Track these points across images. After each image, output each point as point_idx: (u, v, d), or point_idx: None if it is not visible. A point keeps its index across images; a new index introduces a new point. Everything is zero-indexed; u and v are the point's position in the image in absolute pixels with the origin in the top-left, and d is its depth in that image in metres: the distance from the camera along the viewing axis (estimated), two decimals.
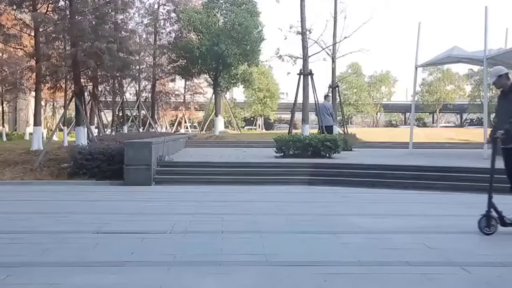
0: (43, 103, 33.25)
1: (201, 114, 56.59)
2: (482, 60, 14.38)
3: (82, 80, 17.32)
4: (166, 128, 49.17)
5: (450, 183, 10.12)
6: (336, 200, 8.71)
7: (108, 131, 26.83)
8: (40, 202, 8.61)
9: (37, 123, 16.72)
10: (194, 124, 58.72)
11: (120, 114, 34.15)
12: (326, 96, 18.21)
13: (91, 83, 22.48)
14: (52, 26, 15.79)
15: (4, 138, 28.59)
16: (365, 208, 7.77)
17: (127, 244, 4.97)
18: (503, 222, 5.54)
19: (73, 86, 16.47)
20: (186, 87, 47.36)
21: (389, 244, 5.06)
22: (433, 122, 73.46)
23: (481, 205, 8.17)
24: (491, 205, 5.59)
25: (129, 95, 38.70)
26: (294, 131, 17.99)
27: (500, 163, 5.92)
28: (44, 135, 27.96)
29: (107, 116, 35.56)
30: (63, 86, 21.69)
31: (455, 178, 10.29)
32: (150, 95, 35.98)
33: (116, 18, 20.76)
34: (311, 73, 16.78)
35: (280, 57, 18.65)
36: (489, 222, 5.54)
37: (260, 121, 67.94)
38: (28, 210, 7.50)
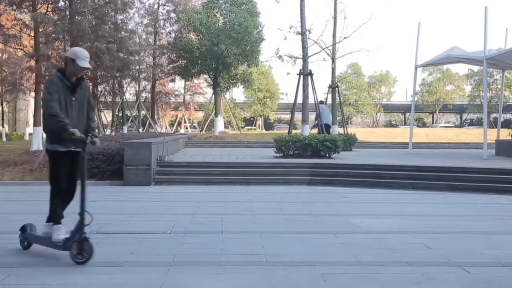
0: None
1: (201, 114, 56.60)
2: (481, 60, 14.40)
3: None
4: (166, 128, 49.17)
5: (449, 183, 10.13)
6: (336, 200, 8.72)
7: (108, 131, 26.83)
8: (40, 202, 8.56)
9: (36, 123, 16.71)
10: (194, 124, 58.72)
11: (120, 114, 34.16)
12: (321, 102, 18.36)
13: (91, 83, 22.46)
14: (52, 26, 15.80)
15: (4, 139, 28.56)
16: (365, 208, 7.78)
17: (127, 244, 4.98)
18: None
19: None
20: (186, 87, 47.38)
21: (389, 244, 5.06)
22: (432, 122, 73.48)
23: (480, 205, 8.21)
24: None
25: (129, 95, 38.75)
26: (294, 131, 17.99)
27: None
28: (44, 136, 27.94)
29: (107, 116, 35.56)
30: None
31: (454, 178, 10.31)
32: (150, 95, 35.99)
33: (116, 18, 20.79)
34: (311, 73, 16.77)
35: (280, 57, 18.59)
36: None
37: (260, 121, 67.97)
38: (28, 210, 7.50)
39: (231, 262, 4.36)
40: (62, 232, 4.56)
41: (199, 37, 27.21)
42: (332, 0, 20.98)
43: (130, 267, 4.17)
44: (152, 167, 10.95)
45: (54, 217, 4.65)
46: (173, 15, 31.95)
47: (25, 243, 4.76)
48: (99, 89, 26.43)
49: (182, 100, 48.28)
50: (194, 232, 5.68)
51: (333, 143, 13.44)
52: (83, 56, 4.51)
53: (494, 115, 52.65)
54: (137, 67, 28.31)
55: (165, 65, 33.48)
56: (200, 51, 26.07)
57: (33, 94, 20.53)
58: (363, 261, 4.42)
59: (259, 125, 68.04)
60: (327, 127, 17.20)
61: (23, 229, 4.79)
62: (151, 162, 10.84)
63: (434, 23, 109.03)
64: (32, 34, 16.87)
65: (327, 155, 13.67)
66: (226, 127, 47.11)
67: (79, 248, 4.22)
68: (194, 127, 55.12)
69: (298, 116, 29.44)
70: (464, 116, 75.72)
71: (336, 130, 21.21)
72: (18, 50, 20.65)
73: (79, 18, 14.87)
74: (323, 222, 6.42)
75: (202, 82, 43.78)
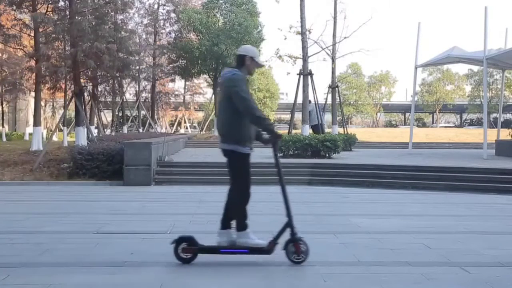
0: (42, 103, 33.26)
1: (201, 114, 56.56)
2: (481, 60, 14.41)
3: (82, 80, 17.32)
4: (166, 128, 49.15)
5: (449, 183, 10.13)
6: (336, 200, 8.72)
7: (108, 131, 26.82)
8: (40, 202, 8.61)
9: (36, 123, 16.71)
10: (194, 124, 58.70)
11: (120, 114, 34.13)
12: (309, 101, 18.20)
13: (91, 83, 22.48)
14: (52, 26, 15.79)
15: (4, 139, 28.55)
16: (365, 208, 7.78)
17: (127, 244, 4.97)
18: None
19: (73, 86, 16.47)
20: (186, 87, 47.36)
21: (389, 244, 5.06)
22: (432, 122, 73.45)
23: (480, 205, 8.21)
24: None
25: (129, 95, 38.69)
26: (293, 131, 18.00)
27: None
28: (44, 136, 27.95)
29: (106, 116, 35.54)
30: (63, 86, 21.70)
31: (454, 178, 10.31)
32: (150, 95, 35.97)
33: (116, 19, 20.79)
34: (310, 73, 16.77)
35: (279, 57, 18.57)
36: None
37: None
38: (28, 210, 7.49)
39: (231, 262, 4.35)
40: (254, 235, 4.35)
41: (199, 37, 27.21)
42: (332, 0, 20.99)
43: (130, 267, 4.17)
44: (152, 167, 10.95)
45: (244, 223, 4.35)
46: (173, 15, 31.92)
47: (186, 255, 4.25)
48: (99, 89, 26.43)
49: (182, 100, 48.26)
50: (194, 232, 5.65)
51: (333, 143, 13.44)
52: (259, 54, 4.41)
53: (494, 115, 52.61)
54: (137, 67, 28.30)
55: (165, 65, 33.47)
56: (200, 51, 26.07)
57: (33, 94, 20.53)
58: (363, 261, 4.41)
59: None
60: (318, 127, 17.41)
61: (182, 241, 4.26)
62: (151, 162, 10.83)
63: (434, 23, 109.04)
64: (32, 34, 16.87)
65: (327, 155, 13.67)
66: None
67: (297, 248, 4.18)
68: (194, 127, 55.11)
69: (298, 116, 29.43)
70: (464, 116, 75.69)
71: (336, 130, 21.22)
72: (18, 50, 20.66)
73: (79, 18, 14.85)
74: (323, 222, 6.42)
75: (202, 82, 43.78)
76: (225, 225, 4.36)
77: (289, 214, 4.23)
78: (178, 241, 4.25)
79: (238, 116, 4.19)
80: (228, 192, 4.39)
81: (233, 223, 4.36)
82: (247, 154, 4.30)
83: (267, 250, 4.19)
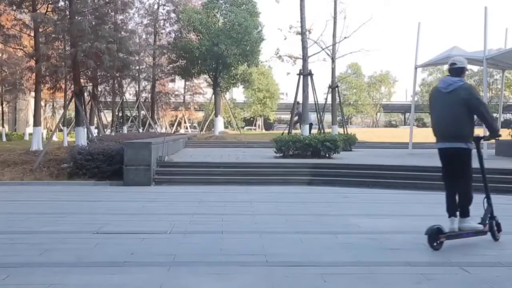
0: (42, 103, 33.24)
1: (200, 115, 56.53)
2: (482, 60, 14.40)
3: (82, 80, 17.29)
4: (166, 128, 49.14)
5: None
6: (336, 200, 8.71)
7: (107, 132, 26.81)
8: (40, 202, 8.61)
9: (36, 123, 16.70)
10: (194, 125, 58.68)
11: (120, 114, 34.12)
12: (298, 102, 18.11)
13: (91, 83, 22.47)
14: (52, 26, 15.79)
15: (4, 139, 28.54)
16: (365, 208, 7.77)
17: (127, 244, 4.97)
18: None
19: (73, 86, 16.47)
20: (186, 87, 47.34)
21: (389, 244, 5.06)
22: None
23: (480, 205, 8.19)
24: None
25: (129, 96, 38.68)
26: (293, 131, 18.01)
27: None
28: (44, 136, 27.94)
29: (106, 116, 35.54)
30: (63, 86, 21.67)
31: None
32: (149, 95, 35.97)
33: (116, 19, 20.77)
34: (310, 74, 16.76)
35: (279, 57, 18.56)
36: None
37: (259, 122, 67.92)
38: (28, 210, 7.50)
39: (231, 262, 4.36)
40: (472, 220, 5.10)
41: (199, 37, 27.18)
42: (332, 0, 20.99)
43: (130, 267, 4.17)
44: (152, 167, 10.96)
45: (468, 211, 5.10)
46: (173, 15, 31.90)
47: (438, 242, 4.82)
48: (99, 89, 26.42)
49: (182, 100, 48.24)
50: (194, 232, 5.68)
51: (333, 143, 13.44)
52: None
53: (494, 115, 52.58)
54: (137, 67, 28.28)
55: (165, 65, 33.46)
56: (200, 51, 26.05)
57: (33, 94, 20.51)
58: (363, 261, 4.41)
59: (259, 125, 67.99)
60: (311, 126, 17.71)
61: (434, 231, 4.81)
62: (151, 162, 10.84)
63: (434, 23, 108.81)
64: (32, 34, 16.85)
65: (327, 155, 13.67)
66: (226, 127, 47.07)
67: (499, 228, 5.20)
68: (194, 127, 55.07)
69: None
70: None
71: (336, 130, 21.22)
72: (18, 50, 20.65)
73: (79, 18, 14.83)
74: (323, 222, 6.42)
75: (202, 82, 43.72)
76: (453, 213, 5.10)
77: (489, 201, 5.19)
78: (431, 232, 4.82)
79: (470, 119, 5.02)
80: (454, 184, 5.26)
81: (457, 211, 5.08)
82: (471, 150, 5.23)
83: (486, 232, 5.11)
